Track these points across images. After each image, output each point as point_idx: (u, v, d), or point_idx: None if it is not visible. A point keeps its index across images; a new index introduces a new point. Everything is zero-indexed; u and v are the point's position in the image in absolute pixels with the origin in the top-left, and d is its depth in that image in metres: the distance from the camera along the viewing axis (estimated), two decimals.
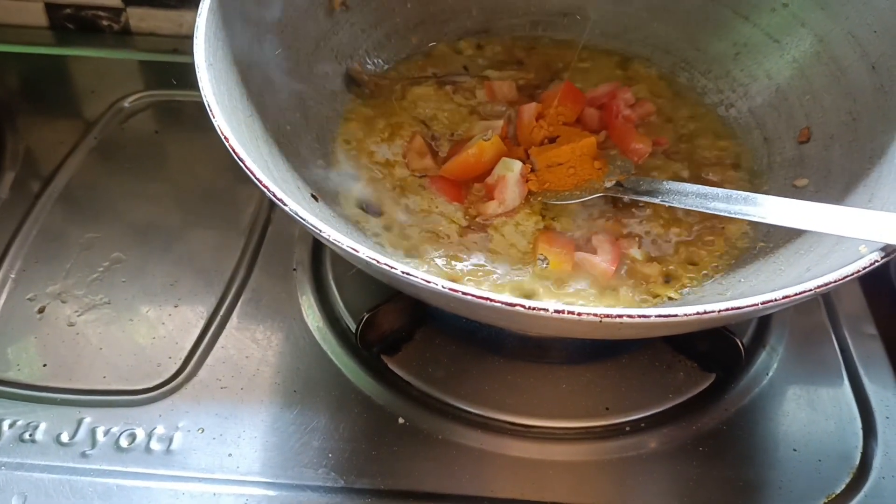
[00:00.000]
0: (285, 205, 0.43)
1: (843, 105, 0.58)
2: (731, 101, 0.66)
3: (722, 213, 0.50)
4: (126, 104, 0.75)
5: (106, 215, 0.65)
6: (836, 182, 0.55)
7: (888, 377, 0.57)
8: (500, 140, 0.60)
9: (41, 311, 0.59)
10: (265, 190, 0.43)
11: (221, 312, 0.59)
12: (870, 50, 0.57)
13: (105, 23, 0.83)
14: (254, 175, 0.44)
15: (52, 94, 0.77)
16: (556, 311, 0.38)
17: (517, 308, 0.38)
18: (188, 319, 0.58)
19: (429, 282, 0.39)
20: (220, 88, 0.49)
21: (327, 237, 0.41)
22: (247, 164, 0.44)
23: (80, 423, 0.52)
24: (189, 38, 0.82)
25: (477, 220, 0.57)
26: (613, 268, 0.54)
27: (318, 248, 0.64)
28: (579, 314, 0.38)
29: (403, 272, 0.39)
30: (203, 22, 0.51)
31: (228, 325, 0.58)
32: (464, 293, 0.39)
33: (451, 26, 0.70)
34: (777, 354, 0.58)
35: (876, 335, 0.60)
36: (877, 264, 0.42)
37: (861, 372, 0.57)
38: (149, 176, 0.69)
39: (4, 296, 0.59)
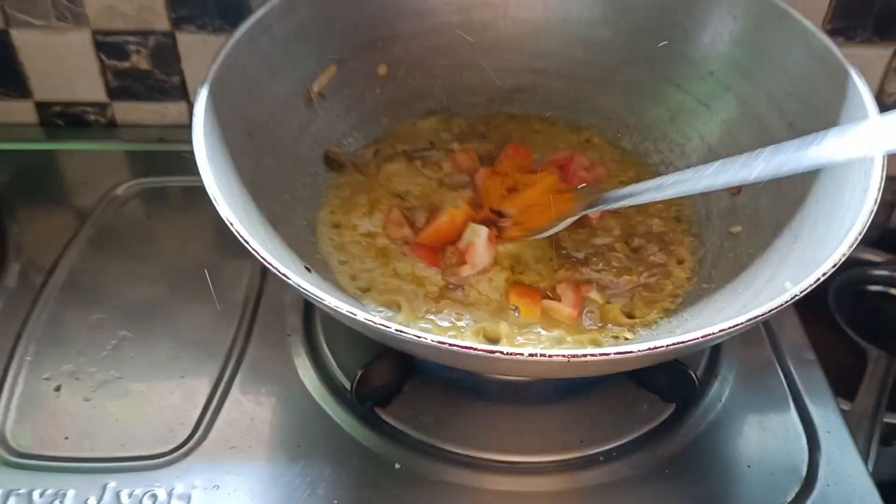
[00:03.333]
0: (288, 279, 0.49)
1: None
2: (669, 160, 0.74)
3: (693, 192, 0.56)
4: (119, 192, 0.81)
5: (109, 297, 0.71)
6: (765, 227, 0.63)
7: (827, 397, 0.64)
8: (467, 207, 0.67)
9: (57, 389, 0.63)
10: (270, 267, 0.49)
11: (224, 379, 0.64)
12: (786, 109, 0.66)
13: (92, 117, 0.89)
14: (258, 254, 0.50)
15: (47, 187, 0.83)
16: (530, 355, 0.44)
17: (496, 354, 0.45)
18: (195, 388, 0.64)
19: (419, 337, 0.45)
20: (220, 179, 0.56)
21: (328, 305, 0.47)
22: (252, 245, 0.50)
23: (104, 488, 0.57)
24: (173, 127, 0.91)
25: (453, 280, 0.64)
26: (576, 312, 0.61)
27: (308, 314, 0.69)
28: (550, 356, 0.44)
29: (397, 330, 0.46)
30: (199, 122, 0.58)
31: (232, 391, 0.63)
32: (450, 344, 0.45)
33: (418, 107, 0.78)
34: (728, 383, 0.65)
35: (815, 360, 0.67)
36: (796, 298, 0.49)
37: (803, 393, 0.64)
38: (145, 258, 0.75)
39: (22, 376, 0.64)
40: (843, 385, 0.75)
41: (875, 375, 0.80)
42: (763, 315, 0.46)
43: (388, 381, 0.63)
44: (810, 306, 0.73)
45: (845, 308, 0.88)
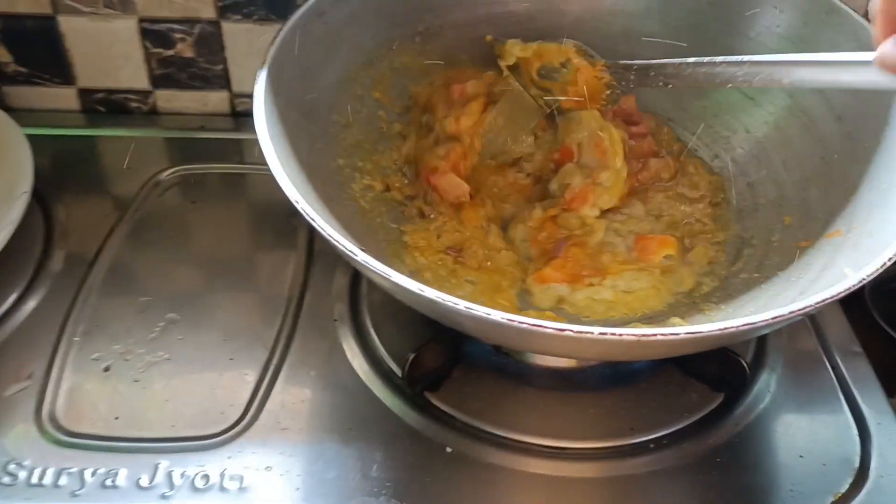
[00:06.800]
0: (356, 257, 0.49)
1: (816, 151, 0.66)
2: (715, 152, 0.74)
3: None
4: (161, 178, 0.81)
5: (156, 280, 0.71)
6: (816, 217, 0.63)
7: (875, 388, 0.64)
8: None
9: (107, 369, 0.64)
10: (338, 245, 0.49)
11: (273, 363, 0.64)
12: (835, 103, 0.66)
13: (134, 105, 0.90)
14: (325, 232, 0.50)
15: (89, 172, 0.83)
16: (601, 333, 0.44)
17: (567, 333, 0.45)
18: (244, 371, 0.64)
19: (488, 315, 0.46)
20: (282, 159, 0.56)
21: (391, 279, 0.48)
22: (318, 223, 0.51)
23: (156, 468, 0.57)
24: (214, 115, 0.91)
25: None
26: None
27: (355, 301, 0.69)
28: (621, 335, 0.44)
29: (467, 307, 0.46)
30: (260, 102, 0.58)
31: (282, 374, 0.64)
32: (520, 322, 0.45)
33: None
34: (776, 374, 0.65)
35: (861, 352, 0.67)
36: (860, 284, 0.49)
37: (851, 385, 0.64)
38: (190, 243, 0.75)
39: (72, 356, 0.64)
40: (883, 381, 0.74)
41: None
42: (834, 296, 0.47)
43: (438, 366, 0.63)
44: (847, 302, 0.73)
45: (882, 305, 0.88)
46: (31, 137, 0.77)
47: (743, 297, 0.62)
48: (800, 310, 0.46)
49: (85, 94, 0.89)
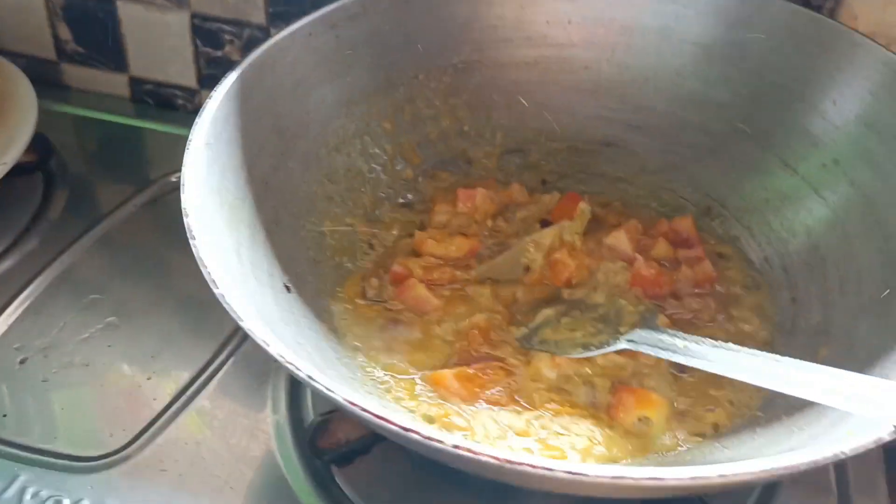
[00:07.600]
0: (219, 294, 0.41)
1: (881, 276, 0.52)
2: (767, 254, 0.61)
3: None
4: (174, 178, 0.77)
5: (118, 279, 0.66)
6: (856, 356, 0.49)
7: None
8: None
9: (22, 362, 0.59)
10: (211, 284, 0.42)
11: (190, 391, 0.58)
12: None
13: (180, 101, 0.87)
14: (202, 260, 0.43)
15: (114, 160, 0.81)
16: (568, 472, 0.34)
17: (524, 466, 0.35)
18: (157, 393, 0.58)
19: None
20: (212, 168, 0.50)
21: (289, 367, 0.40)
22: (200, 251, 0.44)
23: (13, 480, 0.51)
24: None
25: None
26: None
27: None
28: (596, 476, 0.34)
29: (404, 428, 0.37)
30: (214, 104, 0.54)
31: (191, 406, 0.57)
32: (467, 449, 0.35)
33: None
34: None
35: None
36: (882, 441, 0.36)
37: None
38: (166, 251, 0.70)
39: None
40: None
41: None
42: (848, 452, 0.34)
43: (354, 438, 0.53)
44: None
45: None
46: (78, 117, 0.79)
47: (744, 434, 0.48)
48: (790, 465, 0.34)
49: (135, 83, 0.87)
